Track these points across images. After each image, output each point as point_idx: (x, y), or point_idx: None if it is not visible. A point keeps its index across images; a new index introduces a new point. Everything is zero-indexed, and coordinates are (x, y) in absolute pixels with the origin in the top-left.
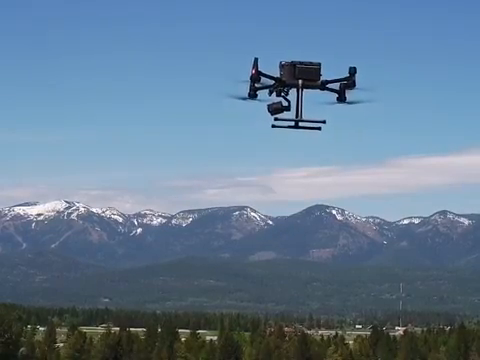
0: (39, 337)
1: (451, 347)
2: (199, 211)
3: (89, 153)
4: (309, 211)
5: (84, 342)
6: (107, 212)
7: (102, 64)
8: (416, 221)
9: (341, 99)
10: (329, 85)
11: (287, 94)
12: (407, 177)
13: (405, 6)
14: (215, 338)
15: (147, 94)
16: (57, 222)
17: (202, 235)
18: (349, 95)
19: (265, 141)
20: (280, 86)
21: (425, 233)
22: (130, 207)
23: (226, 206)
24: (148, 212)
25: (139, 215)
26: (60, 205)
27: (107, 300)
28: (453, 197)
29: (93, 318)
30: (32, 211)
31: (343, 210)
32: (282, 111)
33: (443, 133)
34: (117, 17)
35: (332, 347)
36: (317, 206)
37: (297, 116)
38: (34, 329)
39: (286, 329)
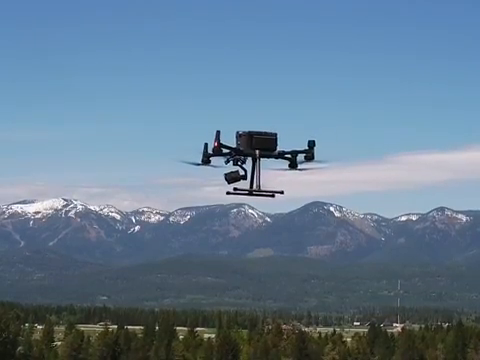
0: (37, 336)
1: (449, 344)
2: (197, 208)
3: (87, 151)
4: (307, 208)
5: (82, 340)
6: (105, 210)
7: (101, 63)
8: (414, 218)
9: (293, 166)
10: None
11: (244, 163)
12: (405, 174)
13: (404, 4)
14: (213, 336)
15: (146, 93)
16: (55, 220)
17: (200, 232)
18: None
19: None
20: (237, 155)
21: (423, 230)
22: (128, 205)
23: (224, 203)
24: (146, 210)
25: (137, 212)
26: (58, 203)
27: (105, 298)
28: (451, 194)
29: (91, 316)
30: (30, 209)
31: (341, 207)
32: (239, 180)
33: (441, 130)
34: (118, 16)
35: (330, 345)
36: (315, 203)
37: (252, 185)
38: (32, 328)
39: (284, 327)
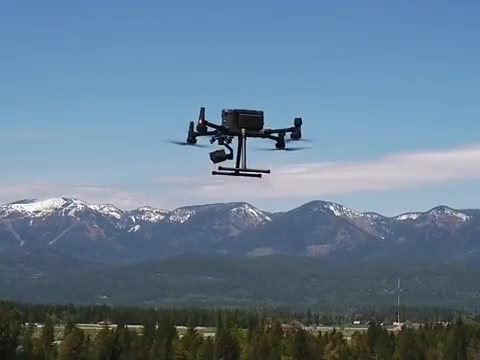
0: (37, 335)
1: (449, 343)
2: (197, 207)
3: (87, 150)
4: (307, 207)
5: (82, 339)
6: (105, 209)
7: (100, 62)
8: (414, 217)
9: (280, 146)
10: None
11: (229, 142)
12: (405, 173)
13: (405, 2)
14: (213, 335)
15: (145, 91)
16: (55, 219)
17: (200, 232)
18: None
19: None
20: (223, 134)
21: (423, 228)
22: (128, 204)
23: (224, 202)
24: (146, 209)
25: (137, 212)
26: (58, 202)
27: (105, 297)
28: (451, 192)
29: (91, 315)
30: (30, 208)
31: (341, 206)
32: (225, 159)
33: (441, 129)
34: (117, 15)
35: (330, 343)
36: (315, 202)
37: (238, 165)
38: (32, 327)
39: (284, 325)
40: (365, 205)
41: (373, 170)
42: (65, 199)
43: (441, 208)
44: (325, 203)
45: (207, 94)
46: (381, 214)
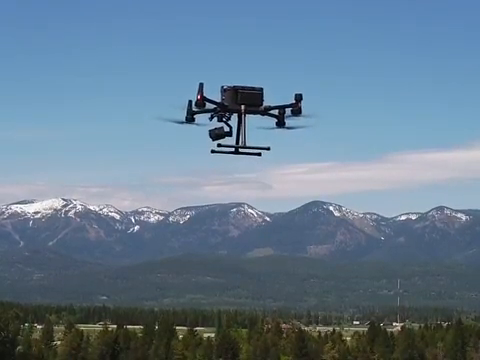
0: (37, 335)
1: (448, 343)
2: (196, 208)
3: (87, 151)
4: (306, 207)
5: (81, 340)
6: (104, 209)
7: (99, 61)
8: (413, 217)
9: (280, 124)
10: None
11: (229, 119)
12: (405, 173)
13: (406, 2)
14: (213, 335)
15: (145, 90)
16: (54, 220)
17: (199, 232)
18: (289, 120)
19: (263, 137)
20: (222, 111)
21: (422, 229)
22: (128, 204)
23: (224, 203)
24: (145, 209)
25: (136, 212)
26: (57, 203)
27: (105, 297)
28: (450, 192)
29: (91, 316)
30: (29, 209)
31: (340, 206)
32: (224, 137)
33: (441, 129)
34: (117, 14)
35: (329, 343)
36: (314, 202)
37: (238, 142)
38: (31, 327)
39: (283, 326)
40: (365, 205)
41: (373, 170)
42: (64, 200)
43: (441, 208)
44: (325, 203)
45: (207, 94)
46: (381, 214)
